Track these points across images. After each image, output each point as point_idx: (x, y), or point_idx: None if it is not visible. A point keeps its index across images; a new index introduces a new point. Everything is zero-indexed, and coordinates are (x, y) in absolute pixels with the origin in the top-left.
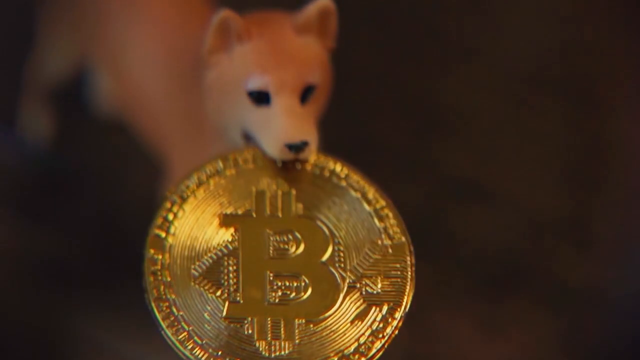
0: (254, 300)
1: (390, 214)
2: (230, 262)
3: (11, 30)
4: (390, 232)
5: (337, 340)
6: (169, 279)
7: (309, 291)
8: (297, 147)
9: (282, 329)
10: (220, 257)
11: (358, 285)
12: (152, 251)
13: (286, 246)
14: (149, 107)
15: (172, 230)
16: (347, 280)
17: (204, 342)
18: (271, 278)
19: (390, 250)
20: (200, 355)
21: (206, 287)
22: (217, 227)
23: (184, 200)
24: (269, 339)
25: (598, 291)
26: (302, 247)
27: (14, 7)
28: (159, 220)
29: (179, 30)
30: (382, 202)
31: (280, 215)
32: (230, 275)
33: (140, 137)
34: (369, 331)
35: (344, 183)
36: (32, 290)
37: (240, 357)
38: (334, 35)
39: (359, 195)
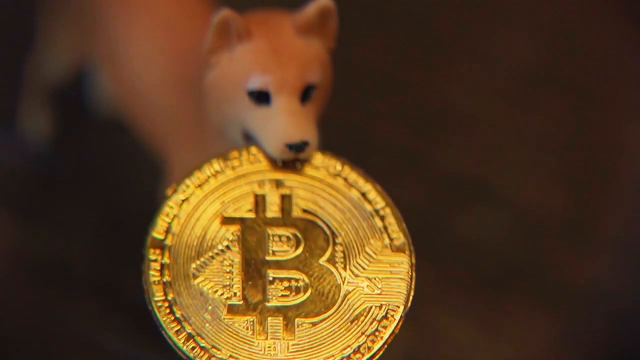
0: (254, 300)
1: (390, 214)
2: (230, 262)
3: (11, 30)
4: (390, 232)
5: (337, 340)
6: (169, 279)
7: (309, 291)
8: (297, 147)
9: (282, 329)
10: (221, 257)
11: (358, 285)
12: (152, 251)
13: (286, 246)
14: (149, 106)
15: (172, 230)
16: (347, 280)
17: (204, 342)
18: (271, 278)
19: (390, 250)
20: (200, 355)
21: (206, 287)
22: (217, 227)
23: (184, 200)
24: (269, 339)
25: (598, 291)
26: (302, 247)
27: (14, 7)
28: (159, 220)
29: (179, 30)
30: (382, 202)
31: (280, 215)
32: (230, 275)
33: (140, 137)
34: (369, 331)
35: (344, 183)
36: (32, 290)
37: (240, 357)
38: (334, 35)
39: (359, 195)
